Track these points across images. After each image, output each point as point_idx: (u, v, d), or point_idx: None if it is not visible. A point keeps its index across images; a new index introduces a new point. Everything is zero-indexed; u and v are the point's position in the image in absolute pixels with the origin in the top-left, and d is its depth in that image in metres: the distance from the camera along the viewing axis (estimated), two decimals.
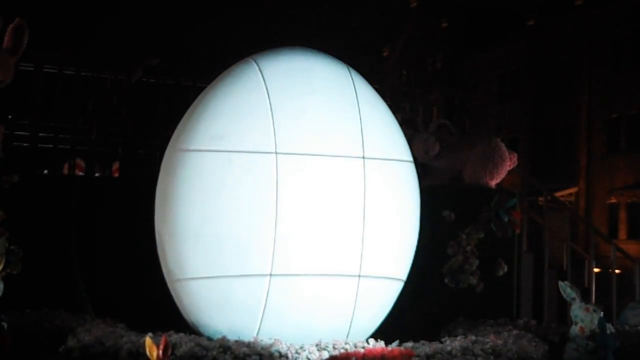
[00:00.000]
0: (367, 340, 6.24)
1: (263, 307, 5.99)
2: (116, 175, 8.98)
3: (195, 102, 6.55)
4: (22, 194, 7.17)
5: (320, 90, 6.39)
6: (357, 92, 6.50)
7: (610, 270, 9.82)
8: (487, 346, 6.05)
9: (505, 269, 8.15)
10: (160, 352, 4.86)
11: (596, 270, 9.73)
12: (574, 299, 6.72)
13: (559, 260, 9.53)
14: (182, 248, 6.11)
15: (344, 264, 6.12)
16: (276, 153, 6.02)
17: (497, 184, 8.65)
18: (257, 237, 5.94)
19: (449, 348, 5.96)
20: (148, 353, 4.87)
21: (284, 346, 5.67)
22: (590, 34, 27.12)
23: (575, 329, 6.62)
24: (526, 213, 9.40)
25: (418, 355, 5.76)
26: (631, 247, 20.02)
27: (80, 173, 8.94)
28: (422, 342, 6.20)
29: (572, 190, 27.35)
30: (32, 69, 8.44)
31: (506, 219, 8.14)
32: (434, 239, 7.32)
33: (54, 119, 8.64)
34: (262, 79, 6.32)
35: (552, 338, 7.02)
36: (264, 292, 5.97)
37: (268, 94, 6.23)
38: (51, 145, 8.61)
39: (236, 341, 5.70)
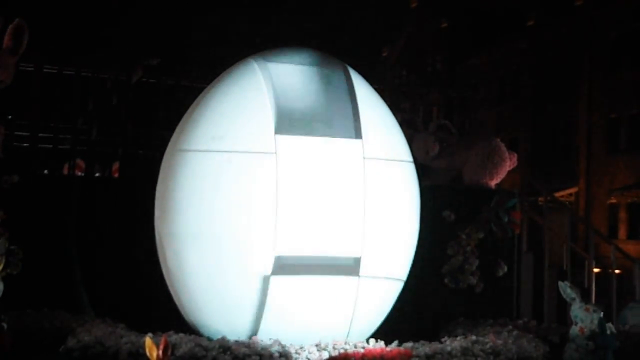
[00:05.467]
0: (367, 341, 6.24)
1: (263, 307, 5.99)
2: (116, 175, 8.97)
3: (195, 102, 6.55)
4: (22, 194, 7.17)
5: (320, 91, 6.39)
6: (357, 92, 6.50)
7: (610, 270, 9.81)
8: (487, 346, 6.05)
9: (505, 269, 8.15)
10: (160, 352, 4.86)
11: (596, 270, 9.72)
12: (574, 299, 6.72)
13: (559, 260, 9.53)
14: (182, 248, 6.11)
15: (344, 264, 6.11)
16: (276, 153, 6.02)
17: (497, 184, 8.65)
18: (257, 237, 5.94)
19: (448, 348, 5.96)
20: (148, 353, 4.87)
21: (284, 346, 5.67)
22: (590, 34, 27.12)
23: (575, 329, 6.62)
24: (526, 213, 9.39)
25: (418, 356, 5.75)
26: (631, 247, 20.02)
27: (80, 173, 8.94)
28: (422, 342, 6.20)
29: (572, 190, 27.35)
30: (32, 69, 8.44)
31: (506, 219, 8.14)
32: (434, 239, 7.32)
33: (54, 119, 8.64)
34: (261, 79, 6.32)
35: (552, 338, 7.01)
36: (264, 292, 5.96)
37: (267, 94, 6.23)
38: (51, 146, 8.61)
39: (236, 341, 5.70)
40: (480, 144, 8.56)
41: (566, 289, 6.77)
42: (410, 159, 6.76)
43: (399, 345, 6.08)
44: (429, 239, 6.90)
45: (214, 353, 5.45)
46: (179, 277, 6.21)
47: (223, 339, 5.75)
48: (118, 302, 7.01)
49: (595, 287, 9.42)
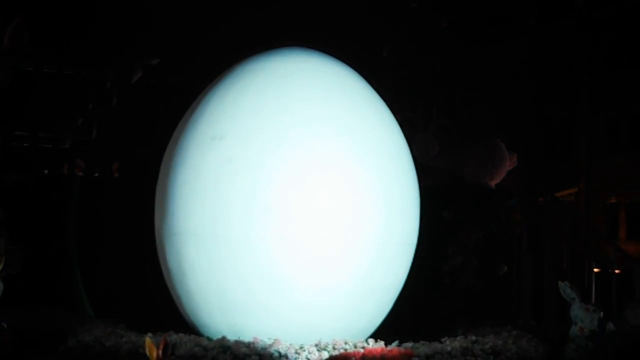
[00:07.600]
0: (367, 340, 6.23)
1: (263, 307, 5.99)
2: (116, 175, 8.98)
3: (195, 102, 6.55)
4: (22, 194, 7.17)
5: (320, 90, 6.38)
6: (357, 92, 6.50)
7: (610, 270, 9.81)
8: (487, 346, 6.05)
9: (505, 269, 8.15)
10: (160, 352, 4.86)
11: (596, 270, 9.71)
12: (573, 299, 6.72)
13: (559, 260, 9.52)
14: (182, 248, 6.12)
15: (344, 264, 6.11)
16: (276, 153, 6.01)
17: (497, 184, 8.65)
18: (257, 237, 5.94)
19: (448, 348, 5.95)
20: (148, 353, 4.88)
21: (284, 346, 5.67)
22: (590, 34, 27.10)
23: (575, 329, 6.62)
24: (526, 213, 9.39)
25: (418, 355, 5.75)
26: (631, 247, 20.00)
27: (80, 173, 8.95)
28: (422, 342, 6.19)
29: (572, 190, 27.35)
30: (32, 69, 8.46)
31: (506, 219, 8.14)
32: (434, 239, 7.32)
33: (54, 119, 8.65)
34: (262, 79, 6.32)
35: (552, 338, 7.02)
36: (264, 292, 5.96)
37: (267, 94, 6.23)
38: (51, 146, 8.62)
39: (236, 341, 5.70)
40: (481, 143, 8.58)
41: (566, 289, 6.78)
42: (410, 159, 6.76)
43: (399, 345, 6.08)
44: (429, 239, 6.90)
45: (214, 353, 5.45)
46: (179, 276, 6.22)
47: (223, 339, 5.75)
48: (118, 302, 7.01)
49: (595, 287, 9.41)
